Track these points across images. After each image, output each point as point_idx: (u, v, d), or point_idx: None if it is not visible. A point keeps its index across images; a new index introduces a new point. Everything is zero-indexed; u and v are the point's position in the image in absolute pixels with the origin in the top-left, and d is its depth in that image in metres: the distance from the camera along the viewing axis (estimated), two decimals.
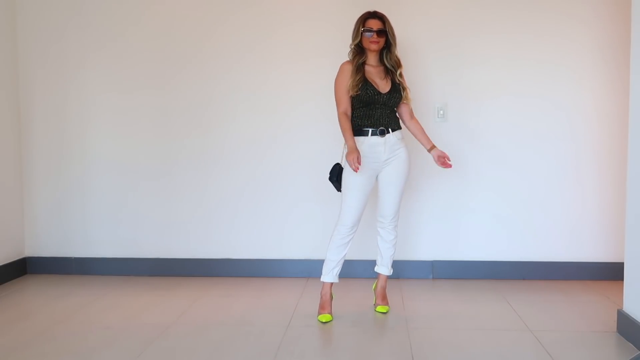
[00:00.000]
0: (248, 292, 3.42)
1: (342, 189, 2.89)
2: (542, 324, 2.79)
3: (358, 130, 2.85)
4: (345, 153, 2.84)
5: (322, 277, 2.93)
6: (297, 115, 3.71)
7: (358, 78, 2.81)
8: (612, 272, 3.53)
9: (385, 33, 2.85)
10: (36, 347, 2.54)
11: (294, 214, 3.75)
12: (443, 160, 2.90)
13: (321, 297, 2.93)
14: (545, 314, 2.95)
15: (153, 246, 3.83)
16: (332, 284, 2.93)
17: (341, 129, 2.83)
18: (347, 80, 2.82)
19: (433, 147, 2.95)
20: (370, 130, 2.84)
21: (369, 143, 2.83)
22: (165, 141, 3.78)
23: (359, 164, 2.71)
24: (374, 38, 2.83)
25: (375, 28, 2.82)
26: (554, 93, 3.59)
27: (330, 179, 2.93)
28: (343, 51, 3.66)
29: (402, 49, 3.60)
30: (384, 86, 2.86)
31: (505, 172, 3.64)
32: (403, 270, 3.69)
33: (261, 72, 3.71)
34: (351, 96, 2.83)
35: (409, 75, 3.57)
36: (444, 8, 3.61)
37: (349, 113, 2.87)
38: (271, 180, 3.74)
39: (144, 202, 3.82)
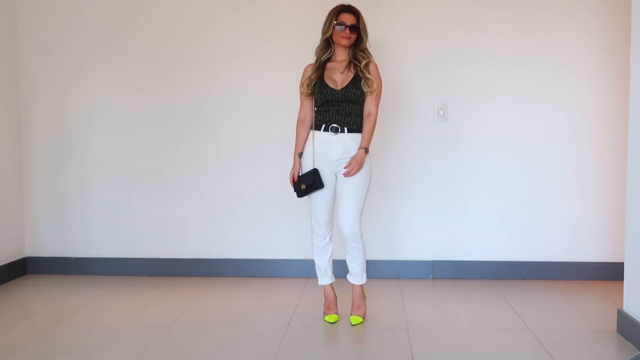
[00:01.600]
0: (248, 292, 3.42)
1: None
2: (542, 324, 2.79)
3: (316, 125, 2.80)
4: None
5: (319, 281, 2.94)
6: (297, 115, 3.70)
7: (313, 77, 2.76)
8: (612, 272, 3.53)
9: (358, 29, 2.75)
10: (36, 347, 2.54)
11: (294, 213, 3.74)
12: (347, 165, 2.72)
13: (325, 299, 2.93)
14: (545, 314, 2.95)
15: (153, 246, 3.83)
16: (331, 284, 2.94)
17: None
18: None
19: (360, 149, 2.73)
20: (323, 125, 2.76)
21: (320, 137, 2.76)
22: (166, 141, 3.79)
23: (295, 180, 2.79)
24: (346, 33, 2.71)
25: (348, 23, 2.71)
26: (554, 93, 3.58)
27: (300, 190, 2.78)
28: None
29: (403, 48, 3.61)
30: (342, 81, 2.75)
31: (505, 172, 3.64)
32: (403, 270, 3.69)
33: (261, 72, 3.71)
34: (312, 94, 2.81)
35: (410, 74, 3.59)
36: (444, 8, 3.60)
37: (308, 118, 2.84)
38: (271, 180, 3.74)
39: (144, 202, 3.82)
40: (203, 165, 3.78)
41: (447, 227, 3.69)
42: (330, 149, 2.75)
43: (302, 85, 2.83)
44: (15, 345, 2.56)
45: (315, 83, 2.78)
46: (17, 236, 3.84)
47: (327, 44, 2.80)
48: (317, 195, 2.79)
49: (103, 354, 2.46)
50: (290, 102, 3.68)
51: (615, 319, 2.71)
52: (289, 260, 3.76)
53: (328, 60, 2.82)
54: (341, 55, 2.81)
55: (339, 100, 2.74)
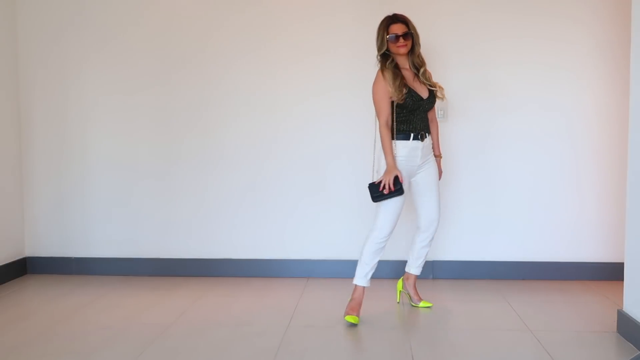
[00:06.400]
0: (248, 292, 3.42)
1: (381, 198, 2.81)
2: (542, 324, 2.79)
3: (399, 134, 2.83)
4: (378, 165, 2.87)
5: (355, 279, 2.88)
6: (298, 115, 3.71)
7: (400, 84, 2.77)
8: (612, 272, 3.53)
9: (411, 35, 2.82)
10: (36, 347, 2.54)
11: (294, 214, 3.74)
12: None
13: (353, 299, 2.87)
14: (545, 314, 2.95)
15: (153, 246, 3.83)
16: (364, 287, 2.90)
17: (383, 143, 2.80)
18: (387, 88, 2.78)
19: (438, 156, 3.04)
20: (412, 134, 2.84)
21: (410, 147, 2.84)
22: (166, 141, 3.78)
23: (394, 186, 2.74)
24: (401, 42, 2.79)
25: (400, 33, 2.79)
26: (553, 94, 3.58)
27: (382, 195, 2.79)
28: (343, 52, 3.68)
29: None
30: (421, 91, 2.86)
31: (505, 172, 3.64)
32: (403, 270, 3.68)
33: (262, 72, 3.70)
34: (394, 103, 2.81)
35: None
36: (444, 10, 3.60)
37: (389, 123, 2.83)
38: (272, 180, 3.74)
39: (144, 202, 3.82)
40: (203, 165, 3.78)
41: (447, 227, 3.68)
42: (417, 156, 2.88)
43: (386, 92, 2.78)
44: (15, 345, 2.56)
45: (405, 91, 2.81)
46: (17, 236, 3.84)
47: (386, 55, 2.85)
48: (397, 202, 2.82)
49: (103, 354, 2.46)
50: (290, 102, 3.70)
51: (615, 319, 2.71)
52: (289, 260, 3.76)
53: (397, 67, 2.84)
54: (404, 63, 2.88)
55: (424, 108, 2.87)
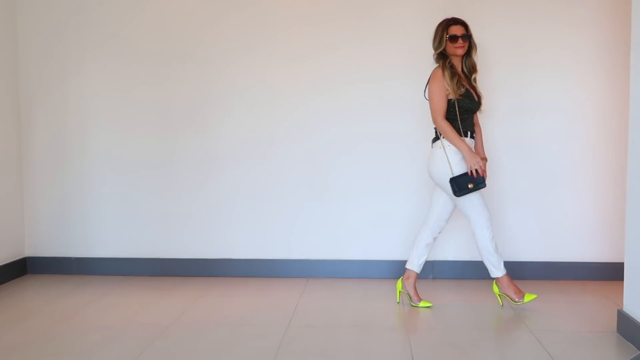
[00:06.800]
0: (248, 292, 3.42)
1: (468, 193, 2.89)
2: (542, 324, 2.79)
3: (463, 132, 2.93)
4: (450, 158, 2.90)
5: (497, 273, 2.97)
6: (297, 114, 3.71)
7: (458, 82, 2.88)
8: (612, 272, 3.53)
9: (469, 37, 2.93)
10: (36, 347, 2.54)
11: (294, 213, 3.74)
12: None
13: (514, 285, 2.99)
14: (545, 314, 2.95)
15: (153, 246, 3.83)
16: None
17: (451, 135, 2.88)
18: (444, 86, 2.87)
19: (484, 159, 3.06)
20: (469, 132, 2.94)
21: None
22: (166, 140, 3.78)
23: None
24: (460, 43, 2.90)
25: (459, 34, 2.90)
26: (552, 94, 3.58)
27: (467, 189, 2.87)
28: (342, 52, 3.68)
29: (400, 48, 3.60)
30: (473, 93, 2.96)
31: (505, 172, 3.64)
32: (403, 270, 3.67)
33: (260, 70, 3.70)
34: (451, 101, 2.88)
35: (404, 74, 3.58)
36: (439, 9, 3.60)
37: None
38: (271, 180, 3.74)
39: (145, 201, 3.82)
40: (202, 164, 3.77)
41: (446, 227, 3.67)
42: None
43: (444, 90, 2.88)
44: (15, 345, 2.56)
45: (463, 89, 2.92)
46: (17, 236, 3.84)
47: (442, 55, 2.95)
48: (481, 194, 2.95)
49: (103, 354, 2.46)
50: (289, 100, 3.70)
51: (615, 319, 2.71)
52: (289, 260, 3.76)
53: (453, 67, 2.93)
54: (457, 65, 2.98)
55: (474, 110, 2.99)
